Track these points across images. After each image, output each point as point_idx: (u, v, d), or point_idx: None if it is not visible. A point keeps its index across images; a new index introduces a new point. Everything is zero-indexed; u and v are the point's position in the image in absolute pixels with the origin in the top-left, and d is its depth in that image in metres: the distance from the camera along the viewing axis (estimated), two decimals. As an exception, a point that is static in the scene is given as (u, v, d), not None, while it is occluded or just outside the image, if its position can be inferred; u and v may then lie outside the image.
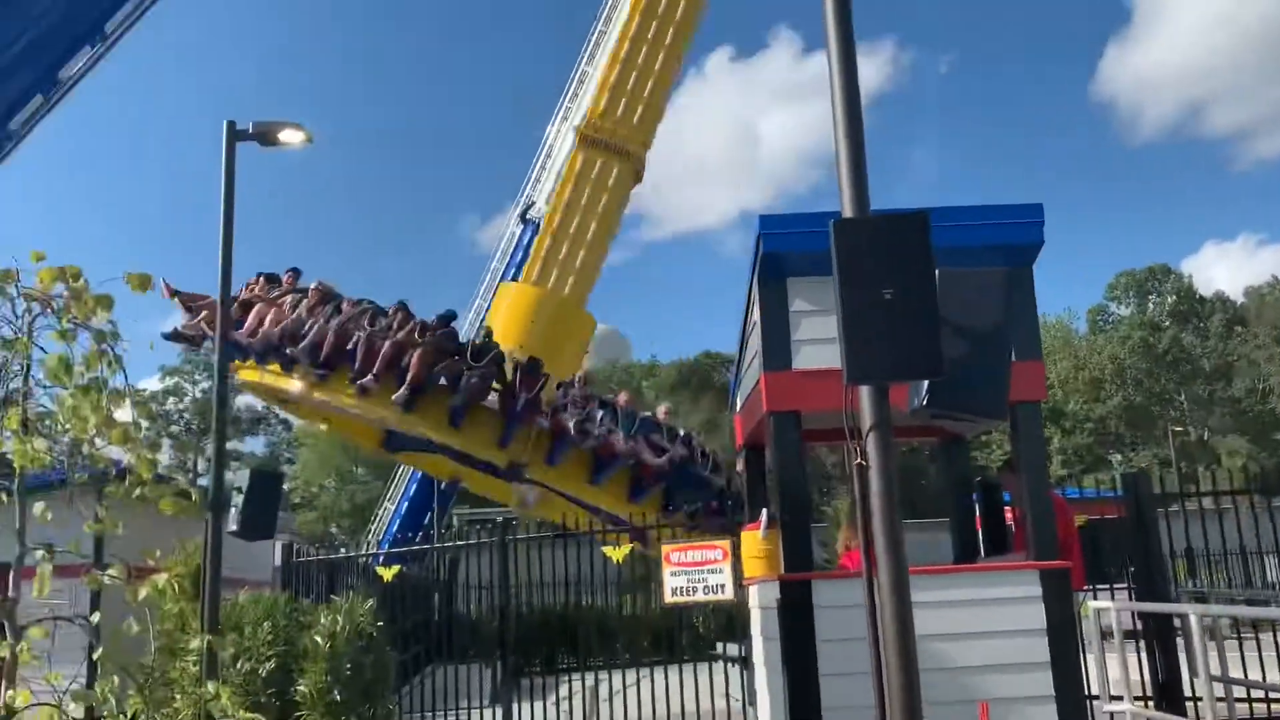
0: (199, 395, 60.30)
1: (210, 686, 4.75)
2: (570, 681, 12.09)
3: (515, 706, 11.40)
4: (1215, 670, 7.08)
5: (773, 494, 7.91)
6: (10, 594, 4.26)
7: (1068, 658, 6.89)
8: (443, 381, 15.56)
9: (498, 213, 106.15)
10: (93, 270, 4.43)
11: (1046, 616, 6.89)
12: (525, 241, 27.11)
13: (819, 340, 7.20)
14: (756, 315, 7.84)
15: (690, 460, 17.06)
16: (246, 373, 16.88)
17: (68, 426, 4.42)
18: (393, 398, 15.30)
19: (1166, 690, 8.96)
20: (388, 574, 12.57)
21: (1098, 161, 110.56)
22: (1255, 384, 64.16)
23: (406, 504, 27.50)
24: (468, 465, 17.88)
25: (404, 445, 18.42)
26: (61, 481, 4.58)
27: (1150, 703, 8.90)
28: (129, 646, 4.94)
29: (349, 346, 15.59)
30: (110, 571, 4.54)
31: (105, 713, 4.32)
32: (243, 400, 54.40)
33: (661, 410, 18.60)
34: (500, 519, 17.75)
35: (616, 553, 11.14)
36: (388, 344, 15.48)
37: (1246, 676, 8.50)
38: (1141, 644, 9.19)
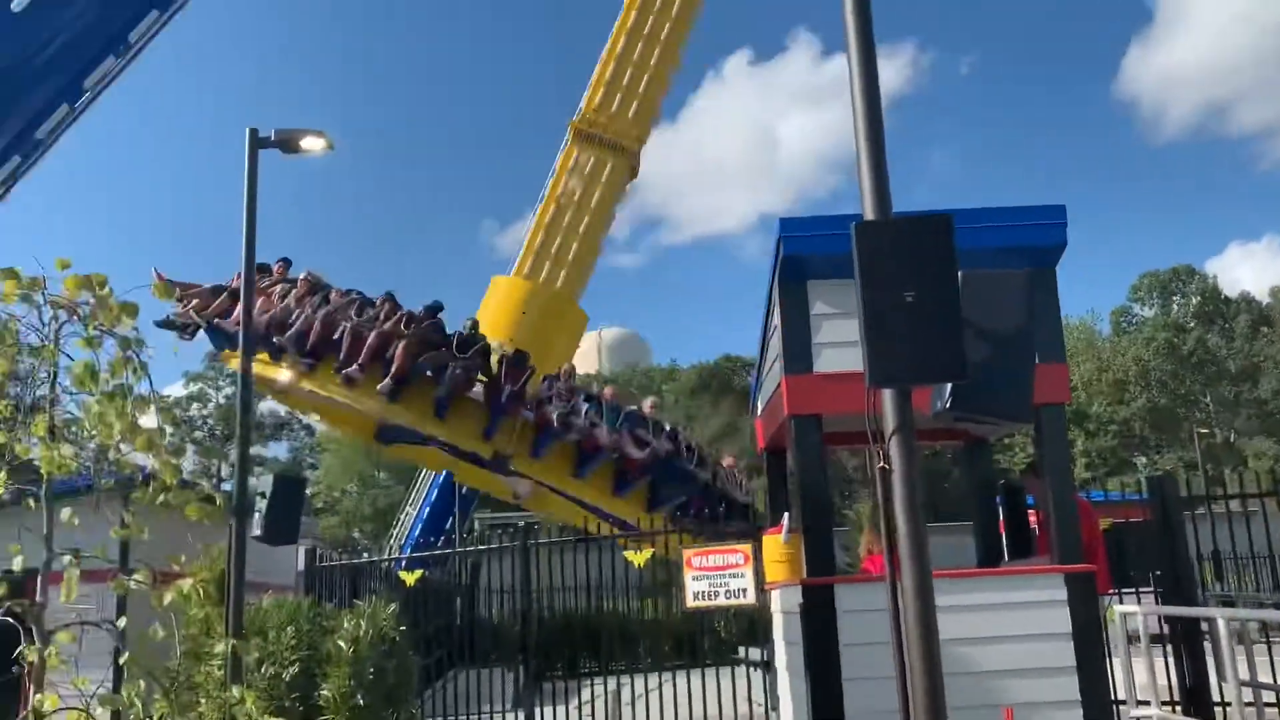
0: (222, 401, 60.65)
1: (235, 691, 4.78)
2: (592, 686, 12.08)
3: (537, 710, 11.40)
4: (1244, 675, 7.00)
5: (794, 498, 7.89)
6: (38, 599, 4.30)
7: (1093, 662, 6.83)
8: (429, 373, 15.62)
9: (517, 218, 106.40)
10: (107, 274, 4.48)
11: (1072, 620, 6.83)
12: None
13: (840, 343, 7.18)
14: (777, 318, 7.82)
15: (675, 454, 17.05)
16: (237, 361, 16.99)
17: (93, 432, 4.46)
18: (377, 388, 15.36)
19: (1194, 695, 8.87)
20: (410, 578, 12.60)
21: (1120, 162, 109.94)
22: (1282, 385, 63.45)
23: (428, 509, 27.55)
24: (458, 458, 17.91)
25: (397, 437, 18.42)
26: (88, 487, 4.62)
27: (1177, 708, 8.81)
28: (155, 651, 4.98)
29: (335, 336, 15.66)
30: (136, 577, 4.57)
31: (131, 717, 4.34)
32: (266, 406, 54.69)
33: (647, 404, 18.62)
34: (522, 523, 17.79)
35: (638, 557, 11.12)
36: (373, 334, 15.56)
37: (1276, 681, 8.41)
38: (1168, 648, 9.11)
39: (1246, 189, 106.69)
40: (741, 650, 12.70)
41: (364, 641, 9.29)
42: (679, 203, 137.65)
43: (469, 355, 15.80)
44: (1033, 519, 9.08)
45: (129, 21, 13.91)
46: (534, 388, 16.19)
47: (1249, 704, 7.12)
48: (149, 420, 4.52)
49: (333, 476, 59.87)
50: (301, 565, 14.26)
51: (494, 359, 16.25)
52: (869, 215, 4.89)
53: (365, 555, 15.32)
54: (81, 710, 4.25)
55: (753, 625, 11.61)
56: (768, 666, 9.74)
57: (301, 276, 16.79)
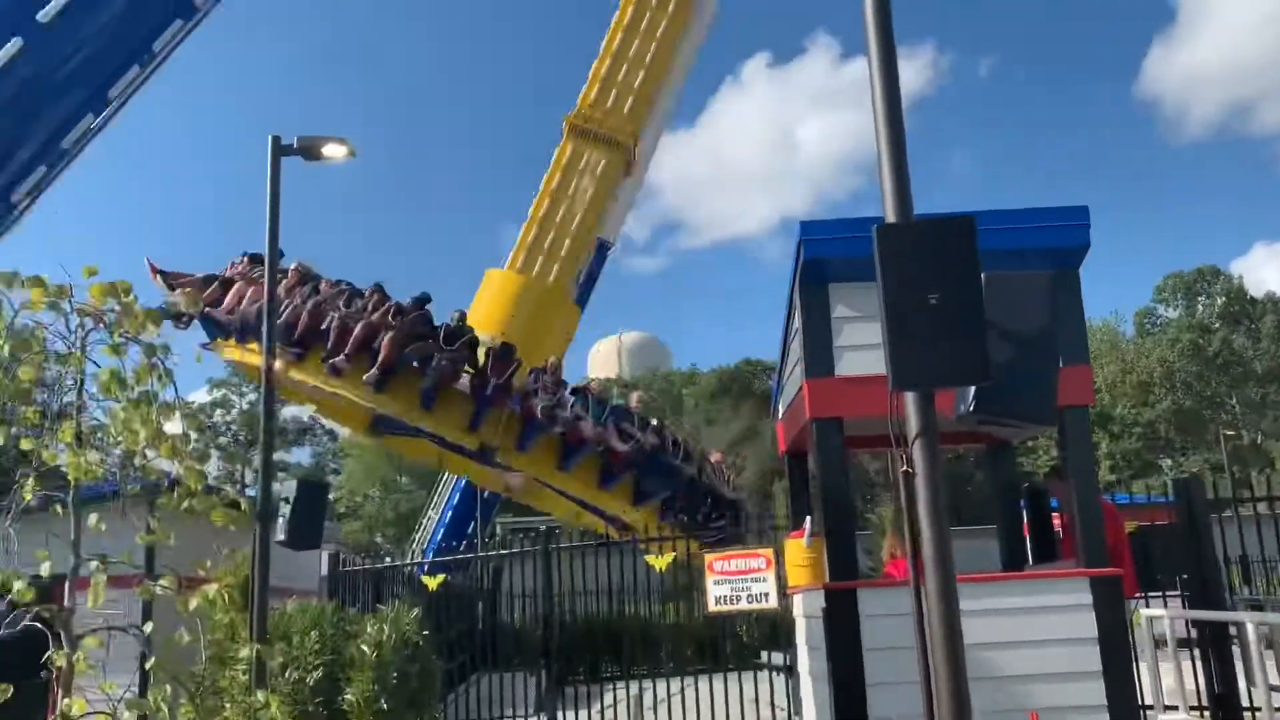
0: (246, 407, 61.05)
1: (260, 695, 4.80)
2: (614, 690, 12.08)
3: (560, 714, 11.41)
4: (1274, 680, 6.93)
5: (816, 501, 7.86)
6: (66, 604, 4.34)
7: (1120, 667, 6.77)
8: (415, 364, 15.67)
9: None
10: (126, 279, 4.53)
11: (1098, 624, 6.78)
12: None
13: (862, 346, 7.16)
14: (798, 322, 7.81)
15: (661, 449, 17.05)
16: (229, 350, 17.09)
17: (119, 439, 4.50)
18: (364, 378, 15.42)
19: (1223, 701, 8.77)
20: (433, 583, 12.64)
21: (1143, 162, 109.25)
22: (1310, 386, 62.75)
23: (450, 513, 27.59)
24: (448, 449, 17.93)
25: (391, 428, 18.48)
26: (114, 493, 4.66)
27: (1206, 713, 8.72)
28: (180, 656, 5.01)
29: (323, 327, 15.73)
30: (162, 582, 4.60)
31: (158, 721, 4.37)
32: (288, 412, 55.02)
33: (634, 398, 18.65)
34: (544, 528, 17.83)
35: (659, 561, 11.12)
36: (360, 325, 15.60)
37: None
38: (1196, 653, 9.01)
39: (1271, 189, 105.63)
40: (764, 655, 12.66)
41: (387, 646, 9.32)
42: (698, 206, 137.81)
43: (455, 347, 15.87)
44: (1057, 522, 9.02)
45: (153, 32, 14.04)
46: (520, 380, 16.21)
47: (1279, 709, 7.04)
48: (174, 426, 4.55)
49: (355, 481, 60.15)
50: (325, 570, 14.32)
51: (481, 352, 16.29)
52: (890, 217, 4.87)
53: (388, 560, 15.36)
54: (109, 715, 4.28)
55: (775, 629, 11.57)
56: (790, 671, 9.70)
57: (292, 267, 16.85)
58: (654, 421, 18.00)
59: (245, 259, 17.57)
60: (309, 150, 9.94)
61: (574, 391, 16.93)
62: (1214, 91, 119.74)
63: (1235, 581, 13.65)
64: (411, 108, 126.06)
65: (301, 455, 66.76)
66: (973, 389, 4.88)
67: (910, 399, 4.77)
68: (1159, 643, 7.75)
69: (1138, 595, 9.18)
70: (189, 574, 4.88)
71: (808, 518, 7.83)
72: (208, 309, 16.51)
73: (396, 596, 12.22)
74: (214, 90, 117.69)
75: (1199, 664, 8.96)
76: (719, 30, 47.61)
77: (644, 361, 74.24)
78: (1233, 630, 8.65)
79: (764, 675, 11.28)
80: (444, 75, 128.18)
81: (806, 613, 7.68)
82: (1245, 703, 8.52)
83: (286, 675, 9.30)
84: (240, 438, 61.49)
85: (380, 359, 15.42)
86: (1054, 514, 9.11)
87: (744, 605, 9.10)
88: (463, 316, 17.06)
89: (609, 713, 11.47)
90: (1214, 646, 8.94)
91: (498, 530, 29.21)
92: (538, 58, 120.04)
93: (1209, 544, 9.18)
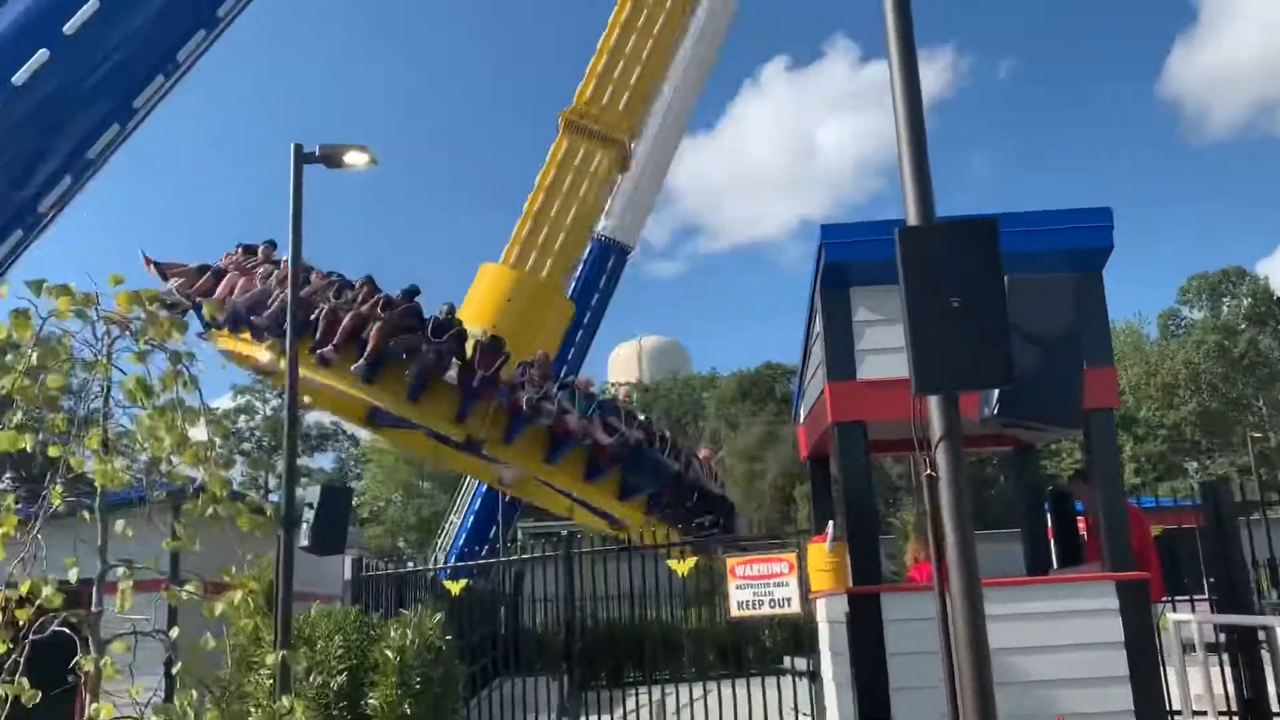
0: (269, 413, 61.40)
1: (284, 700, 4.83)
2: (636, 695, 12.06)
3: (582, 719, 11.40)
4: (1304, 685, 6.85)
5: (838, 506, 7.84)
6: (93, 609, 4.38)
7: (1147, 672, 6.72)
8: (403, 355, 15.73)
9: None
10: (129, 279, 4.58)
11: (1124, 629, 6.73)
12: (585, 256, 27.23)
13: (883, 350, 7.14)
14: (819, 325, 7.79)
15: (648, 444, 17.04)
16: (223, 340, 17.19)
17: (145, 446, 4.54)
18: (351, 368, 15.48)
19: (1252, 706, 8.67)
20: (455, 588, 12.66)
21: (1165, 163, 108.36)
22: (1338, 388, 62.01)
23: (472, 518, 27.70)
24: (443, 442, 17.95)
25: (388, 421, 18.52)
26: (140, 499, 4.69)
27: (1235, 718, 8.62)
28: (205, 660, 5.05)
29: (313, 317, 15.80)
30: (188, 587, 4.64)
31: (184, 726, 4.40)
32: (311, 418, 55.34)
33: (621, 393, 18.67)
34: (565, 532, 17.85)
35: (681, 566, 11.10)
36: (349, 316, 15.67)
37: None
38: (1224, 657, 8.91)
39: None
40: (786, 660, 12.62)
41: (410, 650, 9.35)
42: (718, 210, 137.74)
43: (443, 339, 15.92)
44: (1081, 526, 8.95)
45: (177, 41, 14.17)
46: (508, 373, 16.24)
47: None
48: (199, 432, 4.58)
49: (377, 486, 60.41)
50: (348, 575, 14.38)
51: (470, 344, 16.34)
52: (912, 220, 4.86)
53: (410, 565, 15.41)
54: (136, 719, 4.31)
55: (797, 634, 11.52)
56: (813, 676, 9.66)
57: (284, 258, 16.97)
58: (641, 417, 18.06)
59: (240, 250, 17.73)
60: (331, 158, 10.03)
61: (562, 386, 16.99)
62: (1237, 91, 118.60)
63: (1264, 585, 13.49)
64: (411, 109, 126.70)
65: (324, 460, 67.13)
66: (997, 392, 4.85)
67: (933, 402, 4.75)
68: (1187, 647, 7.67)
69: (1164, 599, 9.10)
70: (214, 579, 4.91)
71: (830, 522, 7.81)
72: (199, 299, 16.63)
73: (419, 601, 12.26)
74: (232, 95, 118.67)
75: (1227, 669, 8.87)
76: (737, 34, 47.61)
77: (664, 366, 74.17)
78: (1261, 635, 8.56)
79: (787, 680, 11.23)
80: (450, 75, 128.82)
81: (829, 617, 7.65)
82: (1275, 707, 8.43)
83: (311, 679, 9.35)
84: (264, 443, 61.85)
85: (368, 350, 15.52)
86: (1078, 517, 9.05)
87: (766, 610, 9.08)
88: (451, 309, 17.10)
89: (631, 718, 11.46)
90: (1243, 651, 8.85)
91: (519, 535, 29.25)
92: (543, 56, 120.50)
93: (1237, 547, 9.09)
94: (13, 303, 4.31)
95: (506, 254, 22.89)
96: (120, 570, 4.46)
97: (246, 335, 16.38)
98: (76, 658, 4.32)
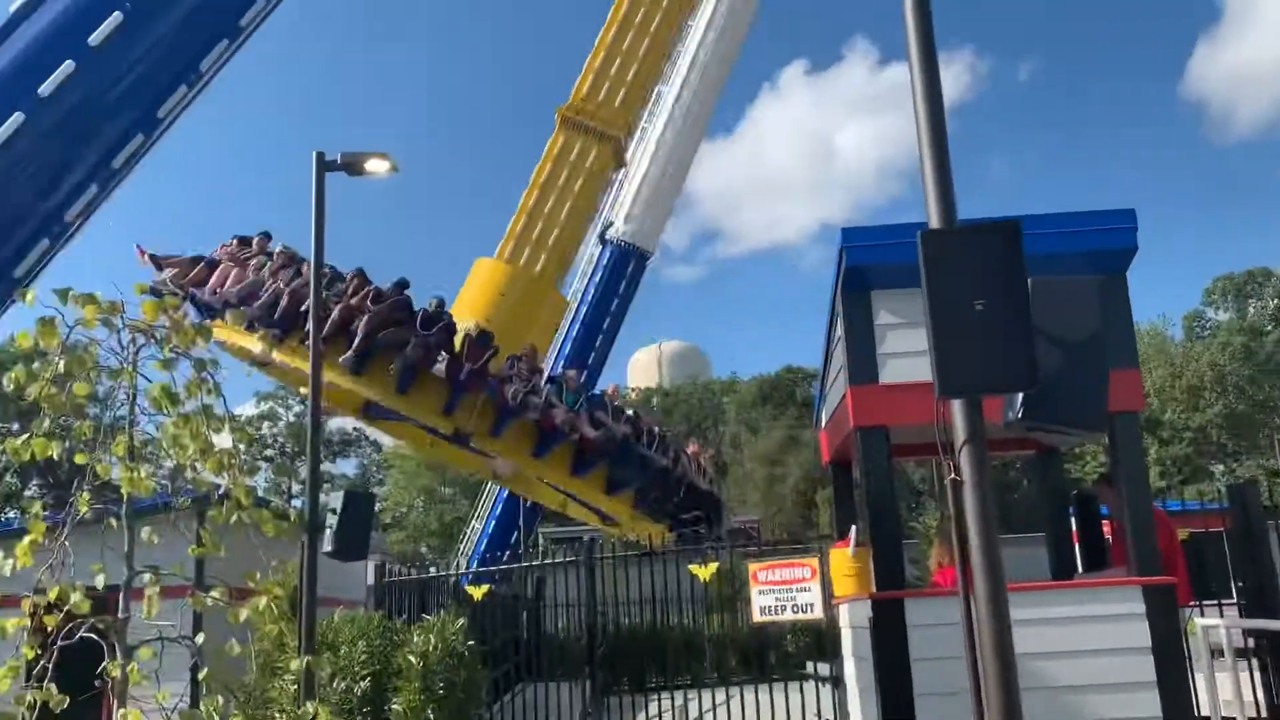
0: (292, 419, 61.77)
1: (309, 705, 4.85)
2: (659, 700, 12.04)
3: (605, 725, 11.39)
4: (1335, 690, 6.76)
5: (861, 510, 7.80)
6: (120, 615, 4.41)
7: (1175, 677, 6.65)
8: (394, 347, 15.77)
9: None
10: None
11: (1151, 634, 6.66)
12: (605, 261, 27.27)
13: (905, 353, 7.11)
14: (841, 329, 7.77)
15: (635, 438, 16.99)
16: (219, 330, 17.29)
17: (170, 453, 4.58)
18: (339, 360, 15.51)
19: (1282, 712, 8.57)
20: (477, 593, 12.68)
21: (1189, 164, 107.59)
22: (1367, 389, 61.19)
23: (494, 523, 27.76)
24: (437, 437, 17.98)
25: (382, 414, 18.59)
26: (166, 506, 4.73)
27: (1265, 724, 8.52)
28: (230, 666, 5.08)
29: (302, 309, 15.85)
30: (213, 593, 4.67)
31: (210, 731, 4.42)
32: (334, 424, 55.67)
33: (610, 388, 18.69)
34: (587, 537, 17.85)
35: (703, 571, 11.08)
36: (338, 308, 15.71)
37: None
38: (1254, 663, 8.81)
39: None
40: (809, 665, 12.57)
41: (433, 655, 9.38)
42: (737, 214, 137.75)
43: (431, 332, 15.95)
44: (1106, 529, 8.87)
45: (200, 51, 14.31)
46: (496, 367, 16.24)
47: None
48: (224, 439, 4.62)
49: (399, 492, 60.66)
50: (371, 580, 14.42)
51: (459, 337, 16.36)
52: (934, 223, 4.83)
53: (433, 570, 15.44)
54: (162, 724, 4.34)
55: (820, 640, 11.47)
56: (836, 682, 9.62)
57: (278, 250, 17.05)
58: (629, 412, 18.06)
59: (234, 241, 17.84)
60: (352, 166, 10.09)
61: (550, 380, 17.00)
62: (1262, 90, 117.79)
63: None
64: (424, 111, 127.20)
65: (347, 466, 67.50)
66: (1021, 396, 4.82)
67: (957, 406, 4.72)
68: (1215, 653, 7.58)
69: (1192, 604, 9.01)
70: (238, 585, 4.95)
71: (853, 527, 7.77)
72: (192, 289, 16.73)
73: (442, 606, 12.27)
74: (253, 103, 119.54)
75: (1257, 674, 8.77)
76: (756, 38, 47.56)
77: (684, 370, 74.15)
78: (1292, 640, 8.46)
79: (810, 686, 11.19)
80: (457, 78, 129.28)
81: (853, 623, 7.62)
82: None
83: (334, 684, 9.40)
84: (287, 449, 62.22)
85: (356, 341, 15.56)
86: (1103, 521, 8.97)
87: (789, 615, 9.04)
88: (441, 302, 17.17)
89: (654, 723, 11.44)
90: (1272, 656, 8.74)
91: (540, 540, 29.29)
92: (542, 54, 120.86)
93: (1265, 551, 8.99)
94: (39, 311, 4.36)
95: (501, 249, 23.03)
96: (147, 576, 4.50)
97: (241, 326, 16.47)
98: (104, 663, 4.35)
